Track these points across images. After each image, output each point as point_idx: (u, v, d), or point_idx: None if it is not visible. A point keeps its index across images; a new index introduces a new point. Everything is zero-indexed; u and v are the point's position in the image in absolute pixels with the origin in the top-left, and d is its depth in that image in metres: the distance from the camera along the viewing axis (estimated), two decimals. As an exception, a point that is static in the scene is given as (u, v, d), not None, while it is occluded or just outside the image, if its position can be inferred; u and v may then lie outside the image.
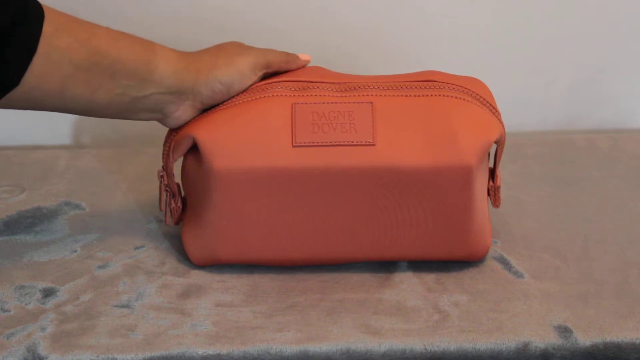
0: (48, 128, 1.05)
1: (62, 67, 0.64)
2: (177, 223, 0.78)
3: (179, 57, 0.71)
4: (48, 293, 0.73)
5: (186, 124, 0.73)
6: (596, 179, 0.92)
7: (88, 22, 0.67)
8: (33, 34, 0.62)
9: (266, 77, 0.75)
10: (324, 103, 0.72)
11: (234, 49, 0.74)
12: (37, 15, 0.62)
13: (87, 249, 0.79)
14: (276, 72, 0.75)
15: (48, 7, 0.64)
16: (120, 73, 0.67)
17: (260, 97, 0.72)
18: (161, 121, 0.74)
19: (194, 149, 0.73)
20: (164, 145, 0.75)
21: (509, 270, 0.76)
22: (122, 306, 0.71)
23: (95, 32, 0.66)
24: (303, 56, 0.76)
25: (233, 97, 0.73)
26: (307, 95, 0.72)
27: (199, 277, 0.75)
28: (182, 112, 0.73)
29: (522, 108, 1.06)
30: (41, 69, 0.63)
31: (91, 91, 0.67)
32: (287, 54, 0.76)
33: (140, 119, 0.72)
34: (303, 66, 0.77)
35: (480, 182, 0.73)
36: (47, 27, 0.62)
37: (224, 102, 0.73)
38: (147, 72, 0.69)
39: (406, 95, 0.72)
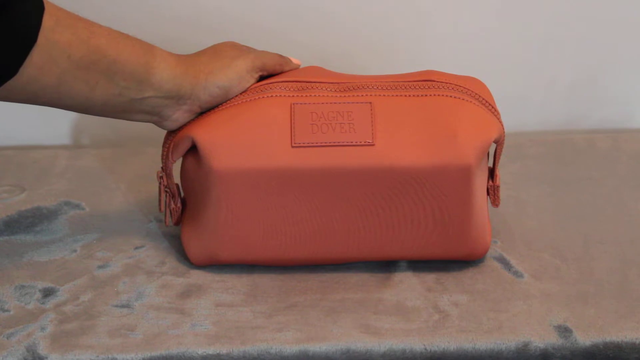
0: (48, 128, 1.05)
1: (60, 62, 0.64)
2: (177, 224, 0.78)
3: (177, 61, 0.71)
4: (48, 293, 0.73)
5: (185, 124, 0.73)
6: (596, 179, 0.92)
7: (89, 21, 0.67)
8: (32, 24, 0.62)
9: (261, 79, 0.75)
10: (323, 103, 0.72)
11: (231, 51, 0.73)
12: (37, 6, 0.62)
13: (87, 249, 0.79)
14: (271, 74, 0.75)
15: (49, 2, 0.64)
16: (118, 74, 0.67)
17: (259, 98, 0.72)
18: (158, 124, 0.74)
19: (193, 149, 0.73)
20: (163, 146, 0.75)
21: (509, 270, 0.76)
22: (122, 306, 0.71)
23: (96, 31, 0.66)
24: (295, 60, 0.77)
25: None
26: (306, 96, 0.72)
27: (198, 277, 0.75)
28: (179, 115, 0.73)
29: (522, 108, 1.06)
30: (40, 62, 0.63)
31: (89, 89, 0.67)
32: (280, 56, 0.76)
33: (137, 120, 0.72)
34: (295, 69, 0.77)
35: (480, 182, 0.73)
36: (47, 21, 0.63)
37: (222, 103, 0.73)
38: (146, 75, 0.69)
39: (405, 95, 0.72)
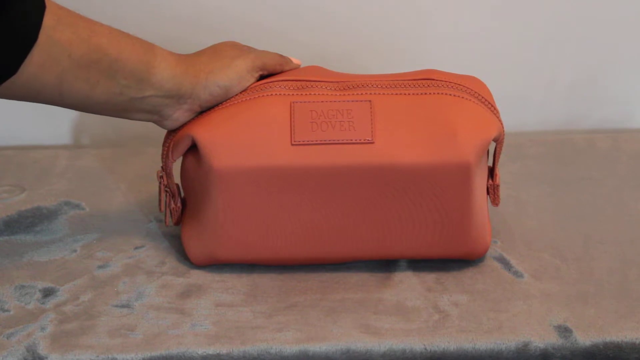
0: (48, 128, 1.05)
1: (61, 61, 0.64)
2: (177, 224, 0.78)
3: (177, 60, 0.71)
4: (48, 293, 0.73)
5: (185, 123, 0.73)
6: (596, 179, 0.92)
7: (90, 20, 0.67)
8: (33, 23, 0.62)
9: (262, 78, 0.75)
10: (322, 102, 0.72)
11: (231, 51, 0.74)
12: (38, 5, 0.62)
13: (87, 249, 0.79)
14: (271, 73, 0.75)
15: (50, 0, 0.64)
16: (119, 73, 0.68)
17: (259, 96, 0.72)
18: (158, 123, 0.74)
19: (193, 148, 0.73)
20: (163, 145, 0.75)
21: (509, 270, 0.76)
22: (122, 306, 0.71)
23: (97, 29, 0.67)
24: (295, 60, 0.77)
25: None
26: (306, 94, 0.72)
27: (198, 277, 0.75)
28: (179, 114, 0.73)
29: (522, 108, 1.06)
30: (40, 60, 0.63)
31: (89, 88, 0.67)
32: (280, 56, 0.76)
33: (138, 119, 0.72)
34: (295, 69, 0.77)
35: (480, 180, 0.73)
36: (48, 20, 0.63)
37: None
38: (146, 74, 0.69)
39: (405, 94, 0.72)
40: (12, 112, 1.01)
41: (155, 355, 0.66)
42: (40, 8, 0.62)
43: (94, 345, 0.66)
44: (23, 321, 0.69)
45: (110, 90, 0.68)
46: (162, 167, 0.75)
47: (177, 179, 0.77)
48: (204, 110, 0.73)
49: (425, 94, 0.72)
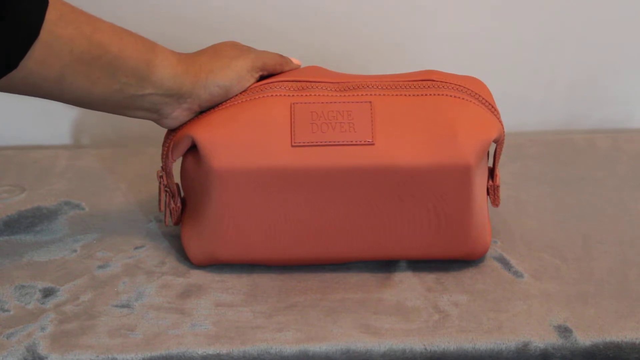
0: (48, 128, 1.05)
1: (62, 56, 0.64)
2: (177, 224, 0.78)
3: (178, 59, 0.71)
4: (48, 293, 0.73)
5: (185, 124, 0.73)
6: (596, 179, 0.92)
7: (93, 16, 0.67)
8: (36, 18, 0.62)
9: (262, 78, 0.75)
10: (323, 103, 0.72)
11: (232, 51, 0.74)
12: (41, 0, 0.62)
13: (87, 249, 0.79)
14: (271, 73, 0.75)
15: None
16: (120, 70, 0.68)
17: (259, 97, 0.72)
18: (158, 122, 0.74)
19: (193, 148, 0.73)
20: (163, 145, 0.75)
21: (509, 270, 0.76)
22: (122, 306, 0.71)
23: (99, 26, 0.67)
24: (295, 60, 0.77)
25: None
26: (306, 95, 0.72)
27: (198, 277, 0.75)
28: (179, 113, 0.73)
29: (522, 108, 1.06)
30: (41, 56, 0.63)
31: (89, 84, 0.67)
32: (281, 56, 0.76)
33: (137, 117, 0.72)
34: (295, 69, 0.77)
35: (480, 181, 0.73)
36: (50, 15, 0.63)
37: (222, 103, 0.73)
38: (147, 73, 0.69)
39: (405, 95, 0.72)
40: (12, 112, 1.01)
41: (155, 355, 0.66)
42: (43, 3, 0.63)
43: (94, 345, 0.66)
44: (23, 321, 0.69)
45: (110, 87, 0.68)
46: (162, 167, 0.75)
47: (177, 178, 0.77)
48: (204, 110, 0.73)
49: (426, 95, 0.72)
